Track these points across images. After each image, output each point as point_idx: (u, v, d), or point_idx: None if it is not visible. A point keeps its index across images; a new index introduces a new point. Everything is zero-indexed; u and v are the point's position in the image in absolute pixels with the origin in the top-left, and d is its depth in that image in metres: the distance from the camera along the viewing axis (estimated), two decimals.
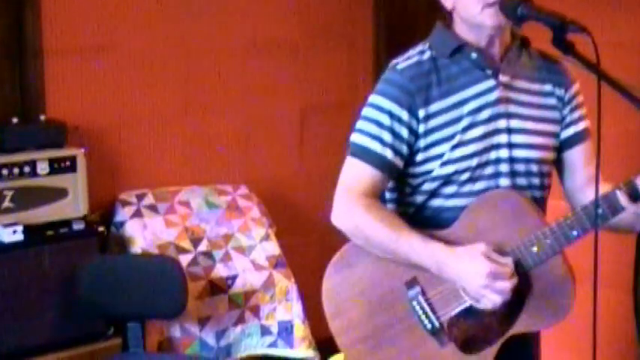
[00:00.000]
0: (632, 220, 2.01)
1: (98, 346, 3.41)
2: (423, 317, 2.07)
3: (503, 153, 2.08)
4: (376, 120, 2.07)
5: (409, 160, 2.08)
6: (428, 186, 2.09)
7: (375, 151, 2.06)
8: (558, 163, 2.19)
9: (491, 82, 2.07)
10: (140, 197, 3.75)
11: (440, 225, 2.08)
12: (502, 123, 2.07)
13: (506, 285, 1.96)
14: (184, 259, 3.57)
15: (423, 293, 2.07)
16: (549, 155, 2.15)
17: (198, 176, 4.00)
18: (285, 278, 3.75)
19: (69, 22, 3.62)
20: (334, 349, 2.23)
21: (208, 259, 3.66)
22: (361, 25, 4.48)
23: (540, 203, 2.13)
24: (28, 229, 3.28)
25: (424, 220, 2.11)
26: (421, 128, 2.05)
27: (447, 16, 2.12)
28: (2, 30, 3.48)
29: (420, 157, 2.08)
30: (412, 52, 2.13)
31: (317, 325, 3.01)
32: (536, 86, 2.13)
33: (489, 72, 2.07)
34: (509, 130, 2.08)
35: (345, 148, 2.13)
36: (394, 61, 2.12)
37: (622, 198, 1.94)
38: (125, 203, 3.70)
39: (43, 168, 3.35)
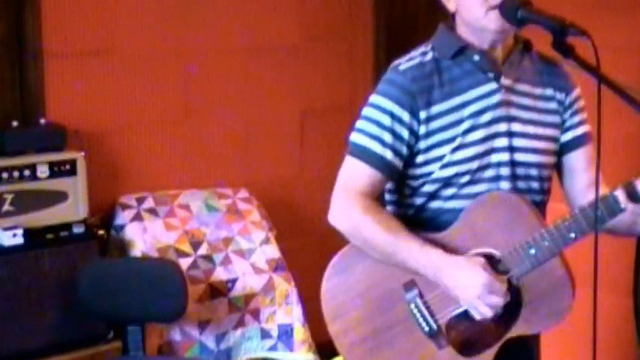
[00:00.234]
0: (631, 220, 2.00)
1: (98, 349, 3.40)
2: (421, 320, 2.07)
3: (504, 156, 2.07)
4: (377, 120, 2.07)
5: (409, 161, 2.08)
6: (428, 188, 2.09)
7: (374, 151, 2.06)
8: (559, 167, 2.19)
9: (493, 85, 2.07)
10: (140, 200, 3.74)
11: (438, 227, 2.08)
12: (503, 126, 2.07)
13: (498, 301, 1.98)
14: (184, 263, 3.57)
15: (421, 296, 2.07)
16: (549, 159, 2.15)
17: (198, 179, 4.00)
18: (285, 281, 3.75)
19: (69, 25, 3.62)
20: (334, 353, 2.22)
21: (208, 263, 3.66)
22: (361, 27, 4.47)
23: (540, 207, 2.13)
24: (28, 233, 3.28)
25: (423, 222, 2.11)
26: (422, 130, 2.05)
27: (448, 18, 2.12)
28: (2, 33, 3.48)
29: (420, 158, 2.07)
30: (414, 53, 2.12)
31: (317, 328, 3.01)
32: (537, 90, 2.13)
33: (491, 75, 2.07)
34: (510, 134, 2.08)
35: (345, 150, 2.13)
36: (396, 62, 2.11)
37: (621, 197, 1.94)
38: (125, 206, 3.70)
39: (43, 171, 3.34)
